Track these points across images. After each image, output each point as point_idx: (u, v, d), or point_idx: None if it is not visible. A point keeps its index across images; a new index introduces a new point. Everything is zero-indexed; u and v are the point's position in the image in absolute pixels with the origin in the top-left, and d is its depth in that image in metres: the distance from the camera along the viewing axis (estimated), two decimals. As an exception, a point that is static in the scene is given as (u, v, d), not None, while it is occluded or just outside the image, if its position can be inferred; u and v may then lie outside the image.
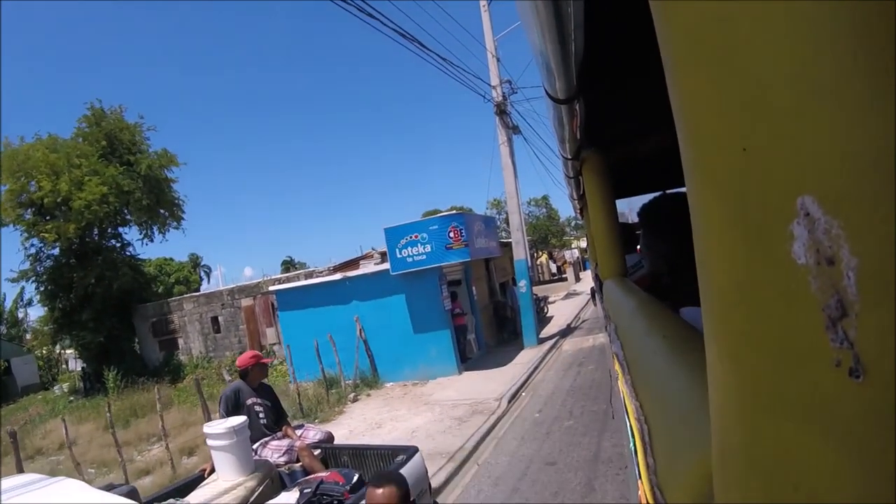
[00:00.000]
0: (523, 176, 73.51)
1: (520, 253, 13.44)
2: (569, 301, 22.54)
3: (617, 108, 2.02)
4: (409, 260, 11.45)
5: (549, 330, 15.52)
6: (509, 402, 9.44)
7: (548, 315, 17.94)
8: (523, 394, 9.95)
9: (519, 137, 14.77)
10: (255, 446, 5.00)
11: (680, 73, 0.29)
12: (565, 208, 25.92)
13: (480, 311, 13.91)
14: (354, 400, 11.42)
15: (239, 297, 16.95)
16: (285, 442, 5.18)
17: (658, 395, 0.74)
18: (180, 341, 18.88)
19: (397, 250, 11.54)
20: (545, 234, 20.91)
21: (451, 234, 11.12)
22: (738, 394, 0.29)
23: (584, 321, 16.73)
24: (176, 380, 18.03)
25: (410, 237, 11.39)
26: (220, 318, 17.61)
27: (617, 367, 1.32)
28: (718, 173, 0.27)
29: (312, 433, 5.56)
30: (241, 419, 4.69)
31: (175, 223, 21.31)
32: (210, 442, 4.61)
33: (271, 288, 14.58)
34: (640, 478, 0.86)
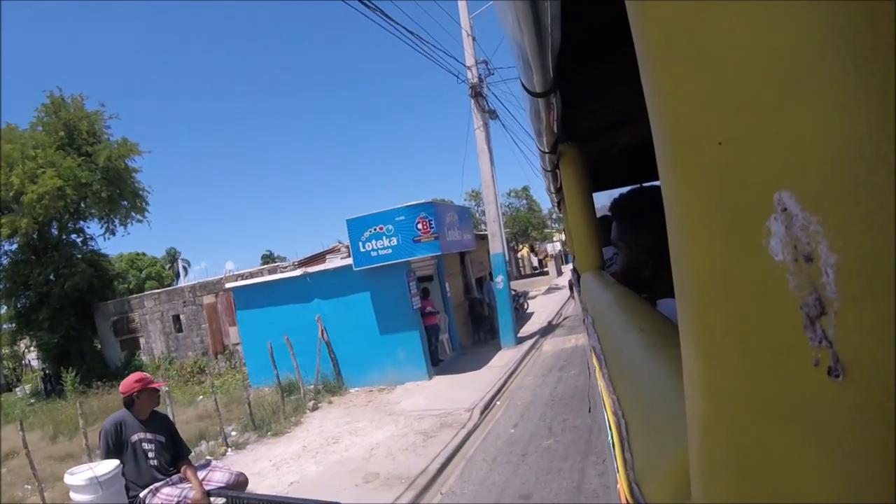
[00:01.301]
0: (502, 165, 71.51)
1: (496, 246, 12.18)
2: (550, 296, 21.37)
3: (593, 102, 2.07)
4: (374, 254, 10.14)
5: (528, 328, 14.31)
6: (482, 413, 8.22)
7: (528, 311, 16.75)
8: (498, 402, 8.73)
9: (496, 123, 13.51)
10: (142, 494, 3.79)
11: (655, 67, 0.28)
12: (546, 200, 24.86)
13: (454, 309, 12.66)
14: (314, 408, 10.13)
15: (201, 293, 15.52)
16: (178, 489, 3.87)
17: (635, 390, 0.74)
18: (142, 341, 17.41)
19: (361, 243, 10.23)
20: (526, 226, 19.68)
21: (420, 226, 9.82)
22: (715, 393, 0.28)
23: (565, 318, 15.53)
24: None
25: (375, 229, 10.08)
26: (181, 317, 16.18)
27: (594, 360, 1.36)
28: (694, 168, 0.26)
29: (219, 475, 4.22)
30: (111, 465, 3.55)
31: (139, 216, 19.76)
32: (73, 496, 3.42)
33: (228, 285, 13.23)
34: (618, 472, 0.83)
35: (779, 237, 0.22)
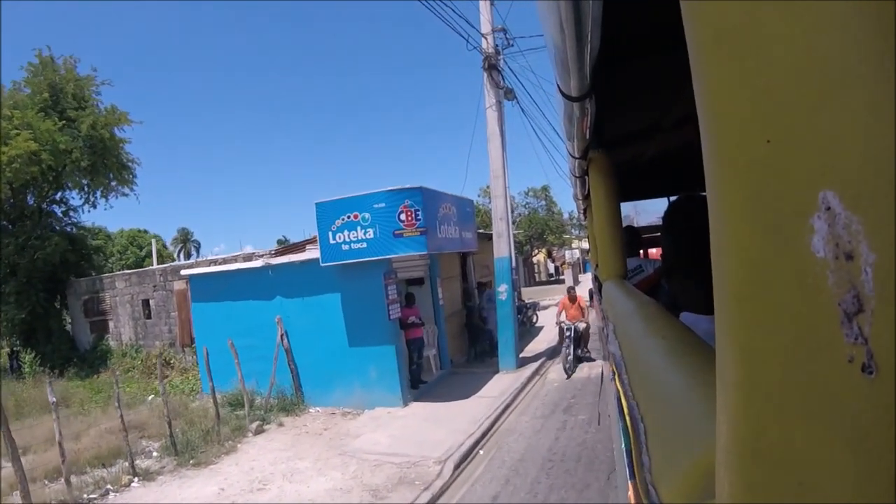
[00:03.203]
0: (519, 160, 67.79)
1: (502, 249, 9.96)
2: (564, 307, 19.02)
3: (625, 109, 2.10)
4: (346, 248, 8.02)
5: (534, 346, 12.03)
6: (456, 467, 6.04)
7: (536, 324, 14.45)
8: (481, 452, 6.54)
9: (514, 107, 11.27)
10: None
11: (706, 65, 0.28)
12: (567, 202, 22.41)
13: (448, 320, 10.47)
14: (258, 431, 8.07)
15: (172, 278, 13.61)
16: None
17: (655, 394, 0.74)
18: (111, 324, 15.62)
19: (330, 234, 8.13)
20: (543, 229, 17.39)
21: (403, 217, 7.67)
22: (748, 386, 0.27)
23: (578, 336, 13.22)
24: (101, 369, 14.81)
25: (348, 217, 7.95)
26: (151, 302, 14.31)
27: (613, 367, 1.36)
28: (741, 165, 0.26)
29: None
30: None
31: (125, 188, 17.98)
32: None
33: (184, 272, 11.27)
34: (634, 477, 0.84)
35: (821, 235, 0.22)
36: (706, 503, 0.40)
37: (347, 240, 7.95)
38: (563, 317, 10.09)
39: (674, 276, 1.31)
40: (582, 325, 9.88)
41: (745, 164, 0.26)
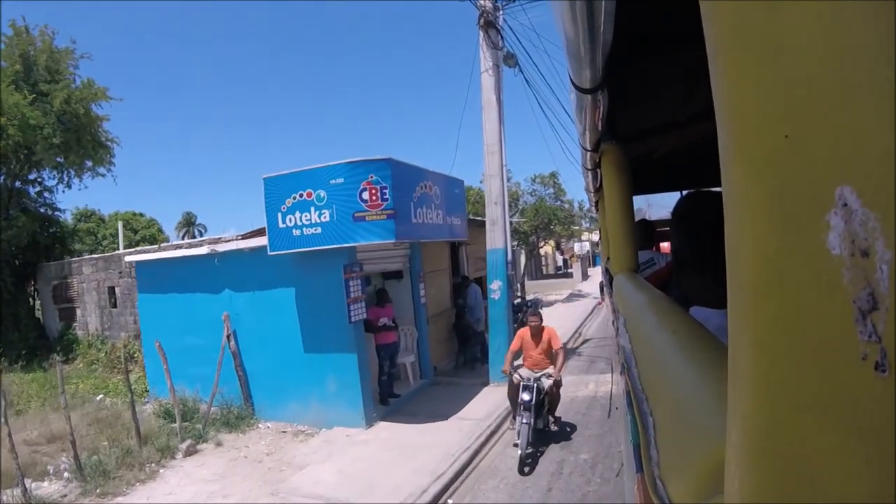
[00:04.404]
0: (525, 143, 64.77)
1: (497, 238, 8.27)
2: (571, 306, 17.25)
3: (639, 103, 2.10)
4: (297, 233, 6.41)
5: (534, 351, 10.37)
6: (413, 527, 4.44)
7: (539, 325, 12.74)
8: (450, 503, 4.93)
9: (516, 80, 9.57)
10: None
11: (725, 60, 0.28)
12: (577, 190, 20.52)
13: (433, 320, 8.84)
14: (190, 452, 6.55)
15: (138, 264, 12.14)
16: None
17: (665, 389, 0.72)
18: (78, 312, 14.25)
19: (280, 215, 6.51)
20: (550, 218, 15.64)
21: (366, 195, 6.02)
22: (761, 381, 0.27)
23: (586, 341, 11.50)
24: (67, 359, 13.44)
25: (300, 195, 6.33)
26: (117, 290, 12.89)
27: (623, 360, 1.37)
28: (759, 160, 0.26)
29: None
30: None
31: (104, 168, 16.55)
32: None
33: (128, 258, 9.79)
34: (642, 470, 0.81)
35: (837, 231, 0.22)
36: (714, 501, 0.40)
37: (299, 223, 6.33)
38: (519, 361, 6.31)
39: (684, 271, 1.26)
40: (548, 381, 5.89)
41: (763, 159, 0.25)
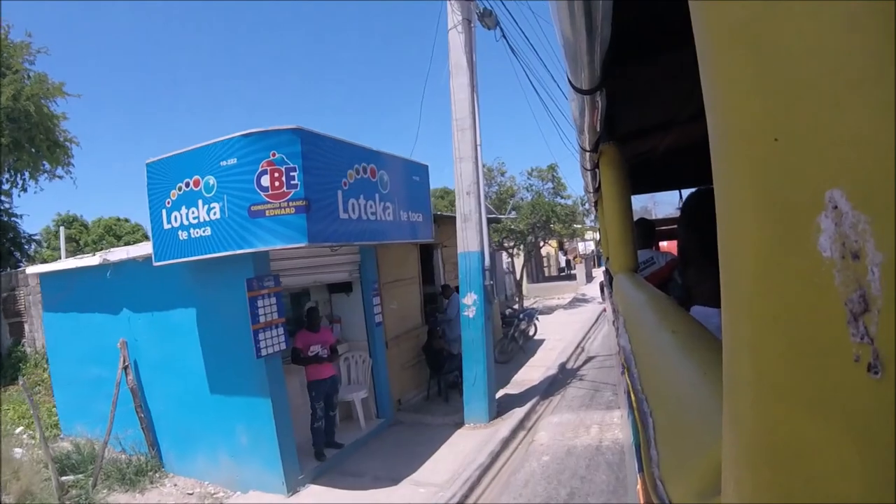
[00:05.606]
0: (521, 132, 61.80)
1: (470, 239, 6.42)
2: (573, 312, 15.30)
3: (637, 103, 2.06)
4: (183, 235, 4.64)
5: (524, 374, 8.47)
6: None
7: (534, 337, 10.86)
8: None
9: (497, 46, 7.79)
10: None
11: (715, 62, 0.28)
12: (579, 185, 18.41)
13: (395, 343, 7.03)
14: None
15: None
16: None
17: (664, 390, 0.72)
18: (26, 327, 12.66)
19: (165, 212, 4.74)
20: (548, 215, 13.77)
21: (266, 180, 4.22)
22: (755, 383, 0.27)
23: (590, 359, 9.57)
24: (15, 379, 11.87)
25: (186, 184, 4.56)
26: (59, 304, 11.27)
27: (623, 360, 1.33)
28: (748, 162, 0.26)
29: None
30: None
31: (61, 168, 14.97)
32: None
33: (29, 270, 8.14)
34: (643, 471, 0.81)
35: (828, 234, 0.22)
36: (712, 501, 0.39)
37: (185, 222, 4.56)
38: None
39: (689, 269, 1.26)
40: None
41: (753, 161, 0.25)
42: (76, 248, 23.24)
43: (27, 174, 14.57)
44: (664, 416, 0.69)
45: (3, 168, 14.20)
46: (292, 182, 4.21)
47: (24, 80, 14.08)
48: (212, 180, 4.38)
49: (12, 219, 15.19)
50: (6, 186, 14.77)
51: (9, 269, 13.88)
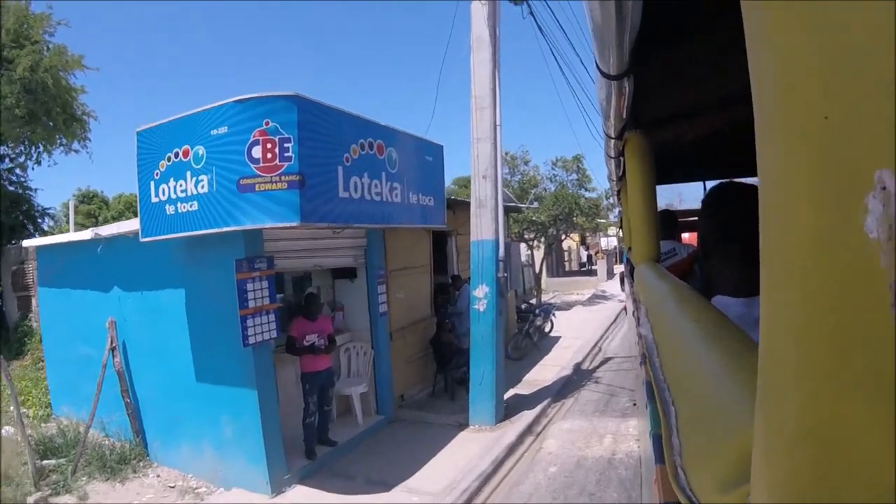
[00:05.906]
0: (546, 121, 59.91)
1: (485, 226, 5.96)
2: (592, 309, 14.75)
3: (664, 90, 2.01)
4: (170, 209, 4.27)
5: (536, 374, 8.01)
6: None
7: (550, 333, 10.37)
8: None
9: (523, 23, 7.26)
10: None
11: (767, 39, 0.28)
12: (605, 178, 17.57)
13: (401, 334, 6.61)
14: (26, 517, 4.52)
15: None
16: None
17: (687, 378, 0.71)
18: (33, 301, 12.58)
19: (153, 184, 4.38)
20: (571, 207, 13.20)
21: (257, 151, 3.81)
22: (798, 364, 0.26)
23: (606, 360, 9.05)
24: (21, 354, 11.85)
25: (176, 154, 4.17)
26: (67, 278, 11.14)
27: (644, 349, 1.34)
28: (797, 141, 0.25)
29: None
30: None
31: (79, 143, 14.83)
32: None
33: (25, 243, 7.92)
34: (662, 460, 0.79)
35: (875, 215, 0.21)
36: (739, 490, 0.39)
37: (173, 196, 4.19)
38: None
39: (710, 259, 1.24)
40: None
41: (802, 140, 0.25)
42: (93, 225, 23.35)
43: (41, 147, 14.44)
44: (686, 405, 0.68)
45: (19, 139, 14.09)
46: (286, 154, 3.79)
47: (42, 52, 13.89)
48: (201, 150, 3.99)
49: (27, 192, 15.10)
50: (21, 159, 14.68)
51: (19, 243, 13.83)
